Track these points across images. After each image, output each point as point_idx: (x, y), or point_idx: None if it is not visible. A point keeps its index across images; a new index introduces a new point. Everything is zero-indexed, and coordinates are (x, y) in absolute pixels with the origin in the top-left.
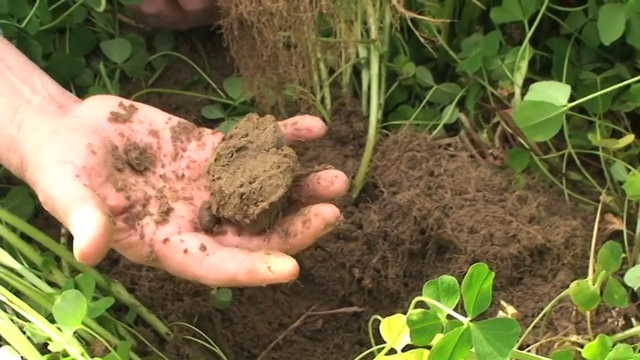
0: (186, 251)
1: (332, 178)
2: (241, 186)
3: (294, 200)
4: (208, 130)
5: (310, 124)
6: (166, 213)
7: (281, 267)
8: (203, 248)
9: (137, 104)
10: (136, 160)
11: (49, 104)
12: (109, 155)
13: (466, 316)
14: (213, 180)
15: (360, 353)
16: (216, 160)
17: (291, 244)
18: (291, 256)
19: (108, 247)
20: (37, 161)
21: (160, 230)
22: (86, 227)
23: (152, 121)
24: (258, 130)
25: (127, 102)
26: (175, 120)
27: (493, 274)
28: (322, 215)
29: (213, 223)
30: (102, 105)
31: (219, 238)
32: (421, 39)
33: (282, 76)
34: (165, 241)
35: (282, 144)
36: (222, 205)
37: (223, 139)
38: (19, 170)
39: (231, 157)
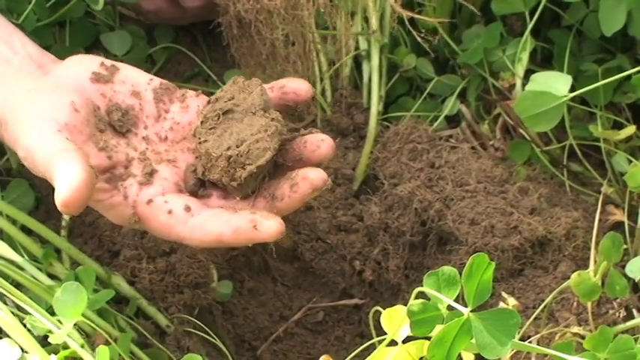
0: (170, 212)
1: (318, 142)
2: (228, 149)
3: (279, 164)
4: (192, 92)
5: (297, 87)
6: (150, 174)
7: (267, 225)
8: (187, 209)
9: (118, 64)
10: (118, 122)
11: (28, 64)
12: (91, 115)
13: (466, 307)
14: (200, 143)
15: (361, 345)
16: (202, 122)
17: (277, 207)
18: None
19: (89, 198)
20: (18, 118)
21: (143, 191)
22: (69, 176)
23: (134, 82)
24: (245, 93)
25: (108, 62)
26: (157, 81)
27: (493, 264)
28: (310, 179)
29: (198, 187)
30: (83, 65)
31: (204, 201)
32: (419, 39)
33: (281, 74)
34: (149, 202)
35: (269, 107)
36: (209, 168)
37: (209, 102)
38: None
39: (218, 119)
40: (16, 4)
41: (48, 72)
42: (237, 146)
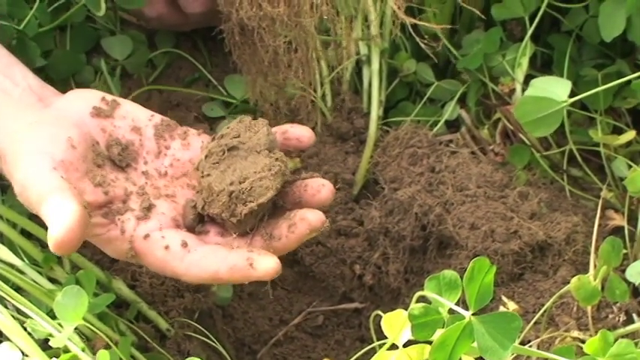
0: (167, 247)
1: (319, 187)
2: (231, 184)
3: (279, 206)
4: (193, 131)
5: (300, 134)
6: (148, 209)
7: (264, 264)
8: (184, 245)
9: (119, 100)
10: (117, 156)
11: (29, 96)
12: (89, 150)
13: (468, 311)
14: (202, 176)
15: (361, 349)
16: (206, 157)
17: (274, 247)
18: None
19: (83, 238)
20: (15, 152)
21: (140, 226)
22: (61, 216)
23: (134, 118)
24: (250, 132)
25: (109, 97)
26: (158, 117)
27: (494, 268)
28: (308, 220)
29: (196, 222)
30: (84, 99)
31: (201, 237)
32: (422, 45)
33: (283, 81)
34: (146, 237)
35: (275, 147)
36: (210, 203)
37: (213, 139)
38: None
39: (223, 155)
40: (17, 10)
41: (49, 104)
42: (240, 182)
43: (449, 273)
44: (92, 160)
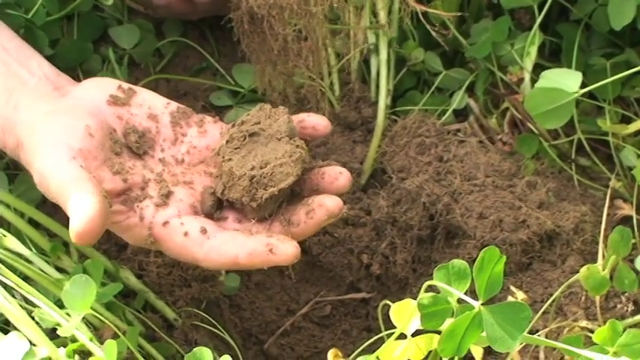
0: (186, 234)
1: (336, 174)
2: (252, 169)
3: (296, 193)
4: (209, 118)
5: (316, 123)
6: (166, 196)
7: (283, 249)
8: (204, 231)
9: (136, 88)
10: (135, 144)
11: (45, 85)
12: (106, 138)
13: (477, 301)
14: (223, 161)
15: (368, 339)
16: (227, 142)
17: (292, 233)
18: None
19: (104, 229)
20: (33, 142)
21: (159, 213)
22: (82, 208)
23: (151, 105)
24: (271, 119)
25: (125, 85)
26: (174, 105)
27: (504, 258)
28: (326, 206)
29: (215, 208)
30: (100, 87)
31: (219, 224)
32: (433, 32)
33: (292, 70)
34: (165, 223)
35: (295, 135)
36: (230, 187)
37: (233, 125)
38: (14, 152)
39: (244, 140)
40: None
41: (65, 94)
42: (261, 167)
43: (458, 262)
44: (110, 148)
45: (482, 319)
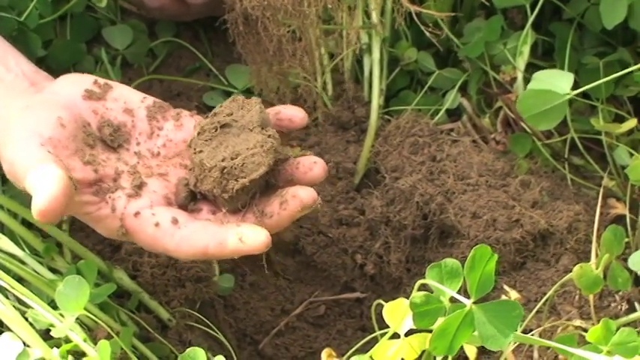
0: (157, 224)
1: (311, 164)
2: (223, 160)
3: (271, 184)
4: (186, 112)
5: (292, 114)
6: (139, 187)
7: (253, 237)
8: (175, 221)
9: (112, 83)
10: (109, 137)
11: (21, 82)
12: (79, 130)
13: (469, 299)
14: (195, 153)
15: (363, 339)
16: (199, 134)
17: (266, 224)
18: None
19: (66, 208)
20: (6, 135)
21: (131, 204)
22: (46, 185)
23: (127, 100)
24: (244, 110)
25: (101, 80)
26: (150, 99)
27: (496, 256)
28: (300, 197)
29: (188, 200)
30: (76, 82)
31: (193, 215)
32: (426, 32)
33: (288, 70)
34: (137, 214)
35: (267, 125)
36: (201, 179)
37: (207, 117)
38: None
39: (215, 132)
40: (18, 1)
41: (41, 89)
42: (232, 158)
43: (450, 261)
44: (82, 140)
45: (473, 317)
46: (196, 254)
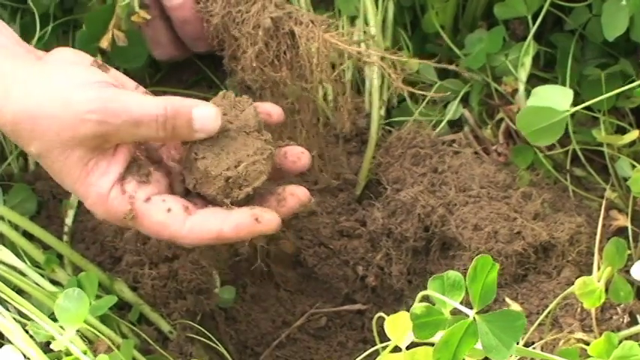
0: (169, 210)
1: (298, 154)
2: (228, 169)
3: None
4: None
5: (270, 109)
6: (147, 175)
7: (268, 217)
8: (186, 208)
9: (108, 66)
10: None
11: (20, 48)
12: None
13: (471, 311)
14: (197, 159)
15: (364, 351)
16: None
17: None
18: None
19: None
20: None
21: (142, 189)
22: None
23: (123, 83)
24: (236, 110)
25: (99, 61)
26: (142, 89)
27: (497, 266)
28: (297, 195)
29: (184, 195)
30: (78, 53)
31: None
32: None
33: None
34: (147, 199)
35: (262, 128)
36: (203, 184)
37: None
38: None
39: (217, 136)
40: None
41: (40, 56)
42: (235, 166)
43: (453, 274)
44: None
45: (476, 327)
46: (210, 239)
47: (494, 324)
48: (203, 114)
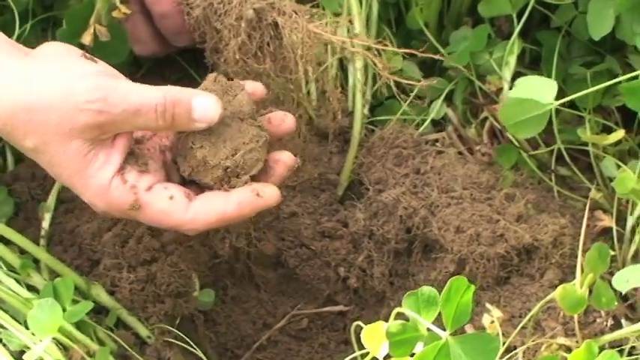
0: (172, 197)
1: (282, 116)
2: (226, 158)
3: None
4: None
5: (254, 88)
6: (146, 164)
7: (269, 191)
8: (188, 195)
9: (96, 59)
10: None
11: (5, 44)
12: None
13: (445, 332)
14: (193, 147)
15: (346, 352)
16: None
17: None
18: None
19: None
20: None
21: (143, 178)
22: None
23: (114, 74)
24: (229, 95)
25: (87, 54)
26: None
27: (473, 287)
28: (283, 160)
29: (181, 182)
30: (68, 48)
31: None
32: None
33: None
34: (149, 188)
35: (254, 114)
36: (200, 172)
37: None
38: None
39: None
40: None
41: (28, 52)
42: (233, 155)
43: (427, 290)
44: None
45: (449, 350)
46: (215, 221)
47: (468, 346)
48: (203, 103)
